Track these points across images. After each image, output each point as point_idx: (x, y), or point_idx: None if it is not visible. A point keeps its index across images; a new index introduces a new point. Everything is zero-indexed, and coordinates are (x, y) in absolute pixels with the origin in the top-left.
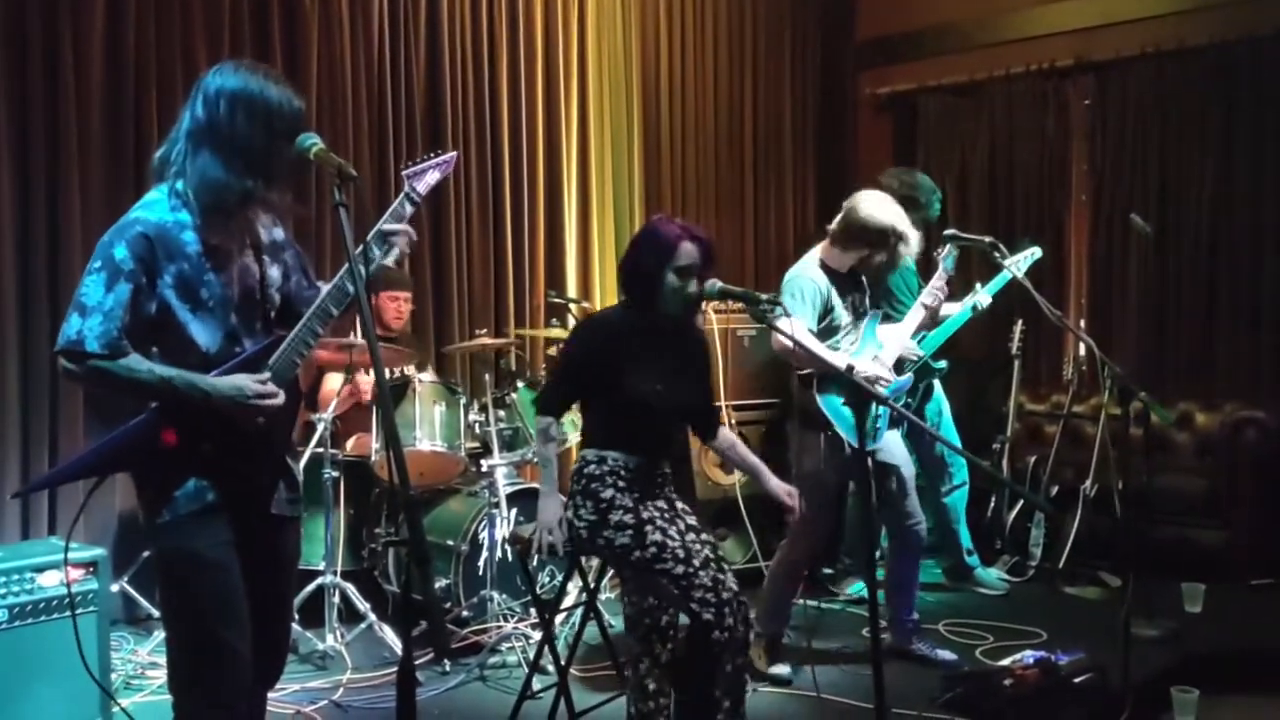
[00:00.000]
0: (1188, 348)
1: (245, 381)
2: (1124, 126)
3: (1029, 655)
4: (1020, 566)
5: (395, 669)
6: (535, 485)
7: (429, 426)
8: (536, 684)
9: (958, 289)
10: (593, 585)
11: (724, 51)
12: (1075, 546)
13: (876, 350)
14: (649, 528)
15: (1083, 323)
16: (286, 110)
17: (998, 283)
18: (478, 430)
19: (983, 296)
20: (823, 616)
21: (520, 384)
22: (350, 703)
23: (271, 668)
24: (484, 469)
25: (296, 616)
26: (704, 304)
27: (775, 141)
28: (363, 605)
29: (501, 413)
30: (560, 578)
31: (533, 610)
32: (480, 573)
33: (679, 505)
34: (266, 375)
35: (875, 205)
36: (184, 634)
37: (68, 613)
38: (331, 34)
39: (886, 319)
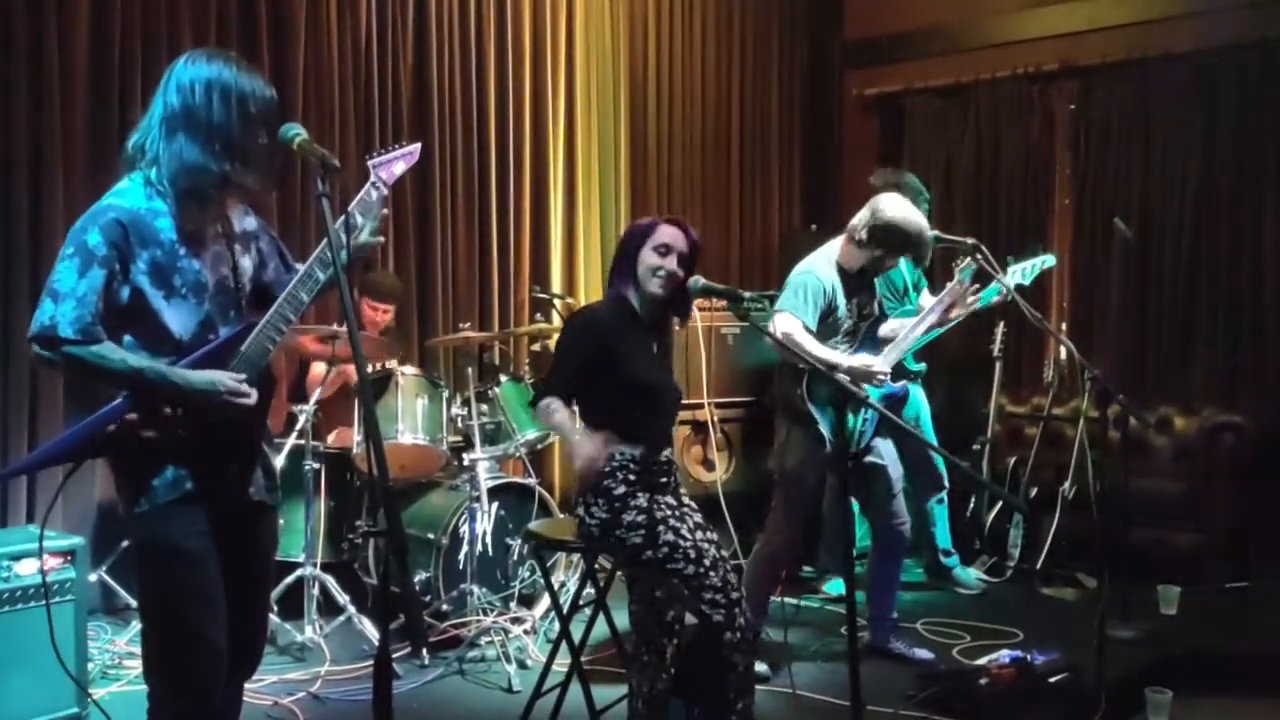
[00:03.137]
0: (1167, 352)
1: (220, 376)
2: (1108, 131)
3: (1005, 655)
4: (998, 567)
5: (373, 661)
6: (516, 480)
7: (411, 419)
8: (519, 681)
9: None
10: (603, 584)
11: (712, 49)
12: (1053, 548)
13: (872, 356)
14: (661, 527)
15: (1064, 326)
16: (260, 96)
17: (994, 290)
18: (460, 424)
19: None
20: (801, 614)
21: (503, 378)
22: (328, 695)
23: (248, 658)
24: (466, 463)
25: (275, 608)
26: (692, 298)
27: (762, 140)
28: (342, 598)
29: (484, 407)
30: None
31: (512, 604)
32: (460, 567)
33: (686, 500)
34: (243, 376)
35: (904, 209)
36: (161, 624)
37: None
38: (318, 26)
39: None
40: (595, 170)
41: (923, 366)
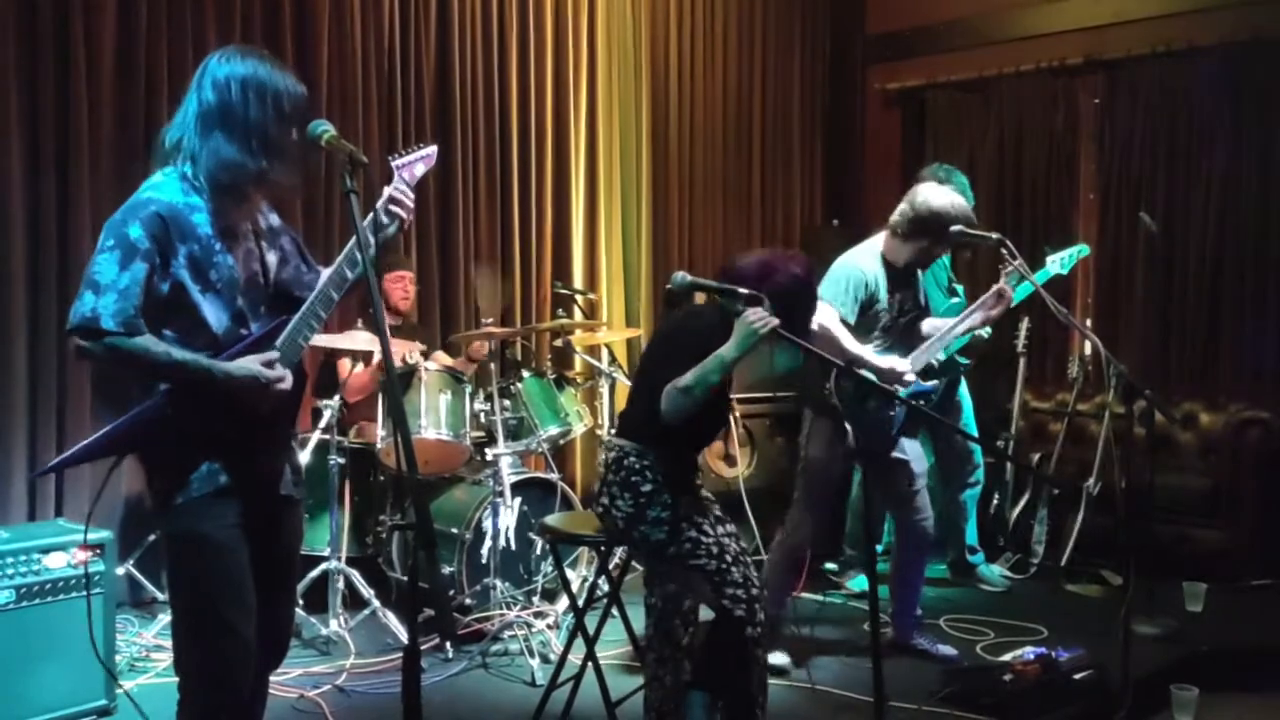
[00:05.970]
0: (1193, 347)
1: (257, 365)
2: (1133, 125)
3: (1029, 651)
4: (1023, 563)
5: (398, 655)
6: (539, 475)
7: (434, 415)
8: (542, 675)
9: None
10: (616, 576)
11: (733, 44)
12: (1077, 544)
13: (899, 358)
14: (684, 524)
15: (1089, 321)
16: (293, 93)
17: (1027, 286)
18: (483, 419)
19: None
20: (825, 610)
21: (526, 374)
22: (353, 688)
23: (275, 651)
24: (488, 458)
25: (301, 601)
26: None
27: (783, 134)
28: (367, 591)
29: (507, 402)
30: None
31: (535, 599)
32: (483, 561)
33: (705, 494)
34: (275, 355)
35: (945, 197)
36: (191, 616)
37: (74, 594)
38: (342, 22)
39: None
40: (617, 166)
41: (967, 363)
